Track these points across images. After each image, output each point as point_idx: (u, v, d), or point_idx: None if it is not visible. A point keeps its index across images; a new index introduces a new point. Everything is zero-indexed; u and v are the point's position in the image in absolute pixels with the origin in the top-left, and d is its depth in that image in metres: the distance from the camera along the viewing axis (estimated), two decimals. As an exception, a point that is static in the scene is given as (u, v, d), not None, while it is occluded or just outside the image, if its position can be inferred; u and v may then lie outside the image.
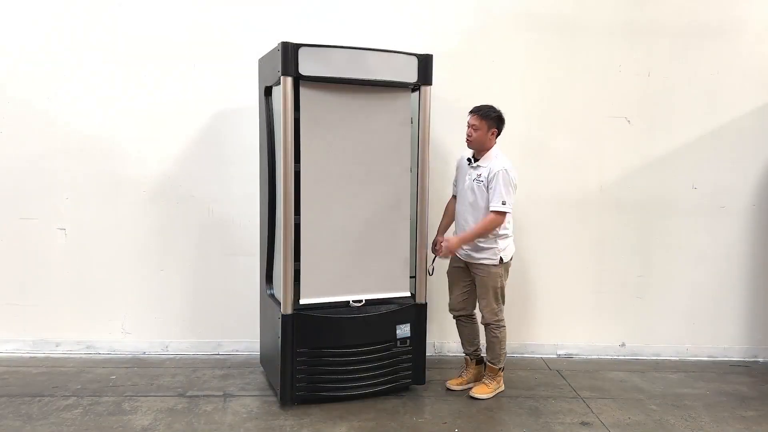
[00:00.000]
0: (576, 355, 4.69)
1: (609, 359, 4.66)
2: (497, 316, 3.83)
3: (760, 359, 4.73)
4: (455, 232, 3.94)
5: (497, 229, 3.70)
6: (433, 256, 4.04)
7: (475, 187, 3.76)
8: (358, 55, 3.52)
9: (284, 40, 3.40)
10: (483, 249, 3.77)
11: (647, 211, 4.62)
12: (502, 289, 3.84)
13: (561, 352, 4.69)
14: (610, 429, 3.53)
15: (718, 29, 4.51)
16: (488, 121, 3.71)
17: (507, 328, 3.89)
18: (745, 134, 4.59)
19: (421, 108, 3.73)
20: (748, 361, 4.70)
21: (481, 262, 3.79)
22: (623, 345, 4.72)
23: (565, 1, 4.47)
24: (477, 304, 3.94)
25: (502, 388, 3.94)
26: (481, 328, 3.97)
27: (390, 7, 4.41)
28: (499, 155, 3.76)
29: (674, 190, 4.62)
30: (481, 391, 3.86)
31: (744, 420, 3.69)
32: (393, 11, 4.41)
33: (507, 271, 3.87)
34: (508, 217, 3.73)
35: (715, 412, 3.80)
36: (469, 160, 3.84)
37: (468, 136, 3.76)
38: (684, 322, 4.72)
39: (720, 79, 4.55)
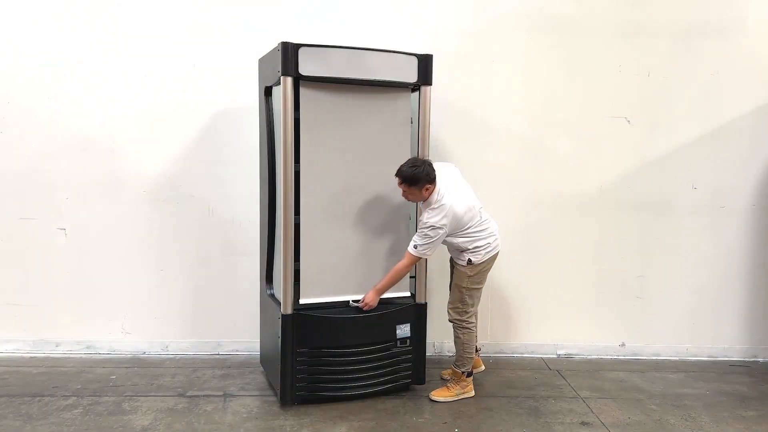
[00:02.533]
0: (576, 355, 4.69)
1: (609, 359, 4.66)
2: (461, 317, 3.75)
3: (760, 359, 4.73)
4: None
5: (407, 269, 3.64)
6: None
7: None
8: (358, 55, 3.52)
9: (284, 40, 3.40)
10: (461, 252, 3.71)
11: (647, 211, 4.62)
12: (469, 290, 3.72)
13: (561, 352, 4.69)
14: (610, 429, 3.53)
15: (718, 29, 4.51)
16: (417, 184, 3.50)
17: (507, 328, 3.88)
18: (745, 134, 4.59)
19: (421, 108, 3.73)
20: (748, 361, 4.70)
21: (457, 262, 3.79)
22: (623, 345, 4.72)
23: (564, 1, 4.46)
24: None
25: (471, 393, 3.84)
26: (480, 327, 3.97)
27: (390, 7, 4.41)
28: (438, 204, 3.55)
29: (674, 190, 4.62)
30: (439, 394, 3.79)
31: (744, 420, 3.69)
32: (393, 11, 4.41)
33: (479, 273, 3.71)
34: (483, 216, 3.69)
35: (715, 412, 3.80)
36: None
37: (406, 198, 3.63)
38: (684, 322, 4.71)
39: (720, 79, 4.55)
